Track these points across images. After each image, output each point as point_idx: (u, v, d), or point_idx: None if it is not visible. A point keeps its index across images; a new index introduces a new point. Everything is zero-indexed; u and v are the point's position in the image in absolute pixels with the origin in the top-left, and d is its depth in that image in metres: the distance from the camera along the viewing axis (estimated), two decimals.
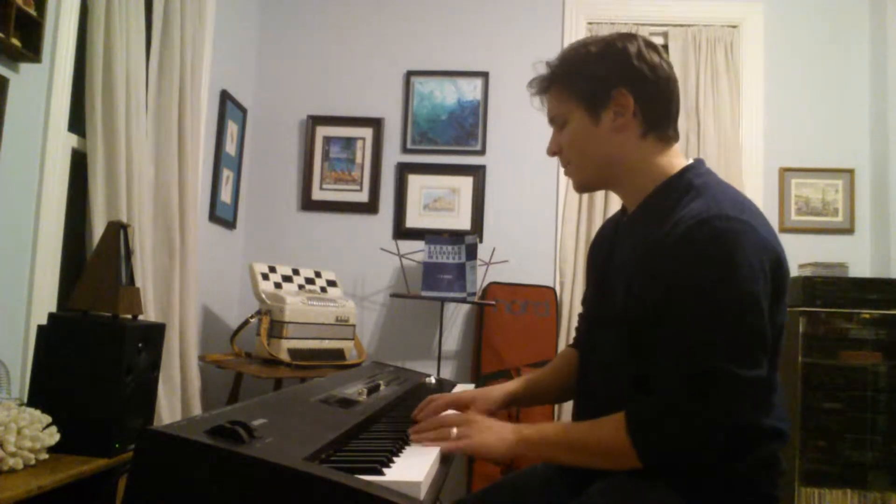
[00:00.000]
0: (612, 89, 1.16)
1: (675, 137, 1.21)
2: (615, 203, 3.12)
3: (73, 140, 2.01)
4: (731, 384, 0.99)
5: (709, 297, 1.00)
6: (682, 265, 1.03)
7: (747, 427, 1.05)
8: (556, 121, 1.25)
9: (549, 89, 1.24)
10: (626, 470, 1.07)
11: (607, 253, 1.27)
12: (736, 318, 0.99)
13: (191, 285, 2.48)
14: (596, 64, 1.17)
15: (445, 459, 1.08)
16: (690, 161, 1.20)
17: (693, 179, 1.14)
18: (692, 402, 1.00)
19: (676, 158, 1.20)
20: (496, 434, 1.11)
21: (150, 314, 2.22)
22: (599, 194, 3.15)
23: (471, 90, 3.35)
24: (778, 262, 1.05)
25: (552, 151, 1.27)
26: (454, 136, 3.34)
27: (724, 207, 1.04)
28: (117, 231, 1.58)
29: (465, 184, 3.31)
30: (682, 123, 3.17)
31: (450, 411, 1.26)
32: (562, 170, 1.30)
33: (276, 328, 2.59)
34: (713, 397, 0.99)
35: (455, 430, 1.10)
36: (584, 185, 1.29)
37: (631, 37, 1.19)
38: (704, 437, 1.00)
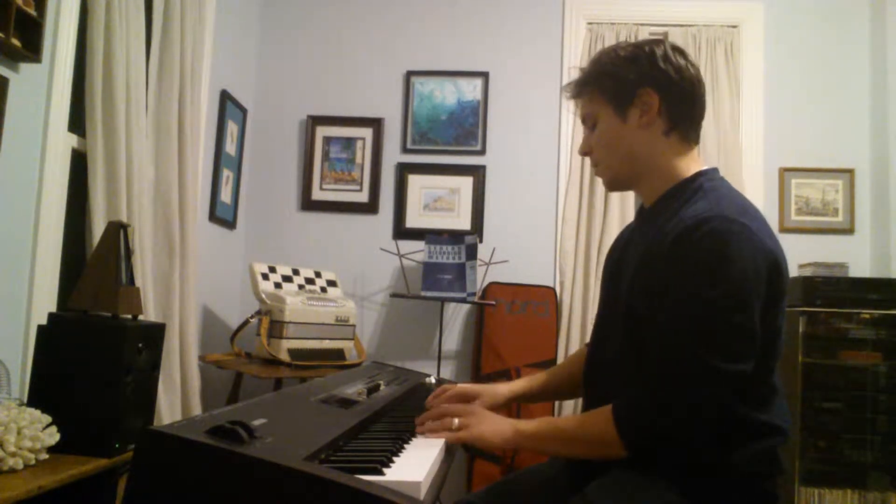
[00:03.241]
0: (638, 88, 1.21)
1: (696, 140, 1.25)
2: (615, 203, 3.12)
3: (73, 140, 2.01)
4: (712, 377, 1.02)
5: (698, 294, 1.03)
6: (677, 262, 1.06)
7: (742, 420, 1.08)
8: (586, 121, 1.30)
9: (581, 93, 1.29)
10: (624, 467, 1.09)
11: (620, 254, 1.31)
12: (724, 317, 1.02)
13: (191, 285, 2.48)
14: (623, 65, 1.22)
15: (449, 453, 1.08)
16: (706, 167, 1.23)
17: (704, 183, 1.18)
18: (673, 393, 1.03)
19: (694, 163, 1.24)
20: (494, 426, 1.17)
21: (150, 314, 2.22)
22: (599, 195, 3.15)
23: (471, 90, 3.35)
24: (776, 266, 1.07)
25: (583, 151, 1.32)
26: (454, 136, 3.34)
27: (725, 209, 1.07)
28: (117, 231, 1.58)
29: (465, 184, 3.31)
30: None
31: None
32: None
33: (276, 328, 2.59)
34: (693, 389, 1.03)
35: (457, 421, 1.17)
36: (614, 183, 1.32)
37: (658, 42, 1.25)
38: (684, 428, 1.04)
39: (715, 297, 1.02)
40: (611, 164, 1.27)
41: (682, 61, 1.22)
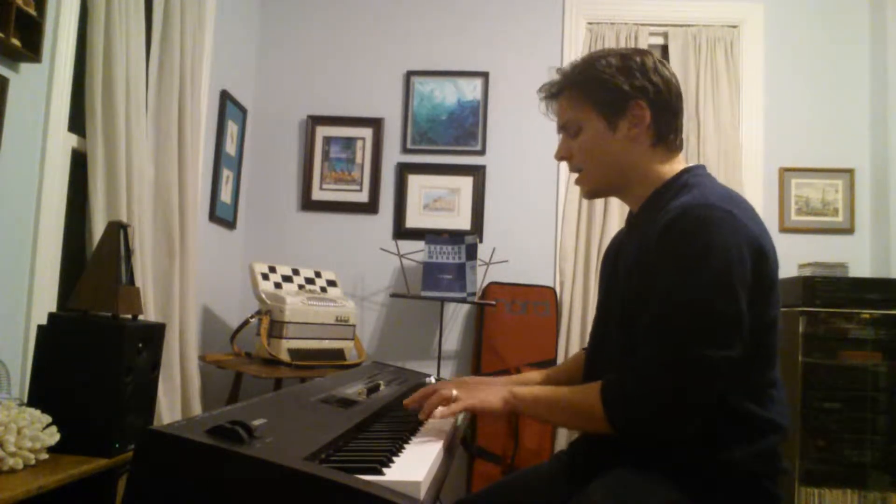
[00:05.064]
0: (631, 100, 1.22)
1: (680, 147, 1.27)
2: (615, 203, 3.12)
3: (73, 140, 2.01)
4: (696, 364, 1.03)
5: (682, 282, 1.05)
6: (662, 252, 1.08)
7: (740, 416, 1.08)
8: (567, 127, 1.29)
9: (560, 95, 1.29)
10: (625, 466, 1.09)
11: (614, 260, 1.32)
12: (707, 302, 1.03)
13: (191, 285, 2.48)
14: (617, 75, 1.22)
15: (449, 453, 1.08)
16: (691, 165, 1.25)
17: (689, 179, 1.20)
18: (658, 379, 1.04)
19: (678, 164, 1.26)
20: (491, 391, 1.20)
21: (150, 314, 2.22)
22: None
23: (471, 90, 3.35)
24: (760, 251, 1.08)
25: (560, 157, 1.32)
26: (454, 136, 3.34)
27: (709, 197, 1.09)
28: (117, 231, 1.59)
29: (465, 184, 3.31)
30: (683, 124, 3.17)
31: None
32: (562, 170, 1.35)
33: (276, 328, 2.59)
34: (677, 376, 1.03)
35: (455, 392, 1.19)
36: (595, 192, 1.34)
37: (647, 52, 1.26)
38: (668, 413, 1.05)
39: (698, 284, 1.04)
40: (595, 174, 1.28)
41: (667, 73, 1.24)
